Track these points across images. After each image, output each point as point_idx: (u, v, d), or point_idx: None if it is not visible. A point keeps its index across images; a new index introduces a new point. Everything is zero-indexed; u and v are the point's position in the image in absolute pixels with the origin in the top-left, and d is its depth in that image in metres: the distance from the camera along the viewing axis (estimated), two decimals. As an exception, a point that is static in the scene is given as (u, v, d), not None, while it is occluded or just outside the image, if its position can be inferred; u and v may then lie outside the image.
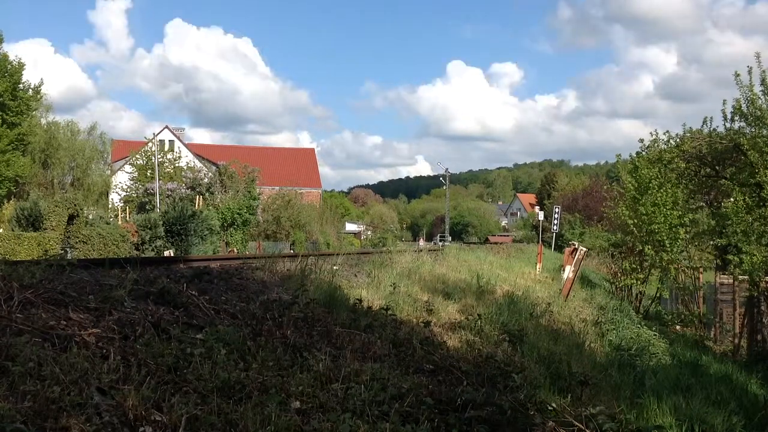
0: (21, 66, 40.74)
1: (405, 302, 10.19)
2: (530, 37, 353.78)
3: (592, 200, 49.13)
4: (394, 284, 11.07)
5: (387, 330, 6.99)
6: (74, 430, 3.24)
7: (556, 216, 29.84)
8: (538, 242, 31.67)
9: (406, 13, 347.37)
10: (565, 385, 7.41)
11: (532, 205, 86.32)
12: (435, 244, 48.05)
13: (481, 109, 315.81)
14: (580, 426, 4.73)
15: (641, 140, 22.04)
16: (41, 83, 43.61)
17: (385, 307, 8.26)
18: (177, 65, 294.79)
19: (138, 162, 44.26)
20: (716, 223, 19.53)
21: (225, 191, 38.87)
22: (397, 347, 6.36)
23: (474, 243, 57.15)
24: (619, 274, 23.50)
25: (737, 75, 18.09)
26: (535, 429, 4.74)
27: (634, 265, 21.80)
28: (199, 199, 35.74)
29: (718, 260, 21.17)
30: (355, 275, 11.76)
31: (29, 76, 61.32)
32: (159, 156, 42.83)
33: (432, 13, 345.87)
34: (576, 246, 19.67)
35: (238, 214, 35.57)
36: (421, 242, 60.20)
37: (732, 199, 18.11)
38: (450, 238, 68.56)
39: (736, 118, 18.73)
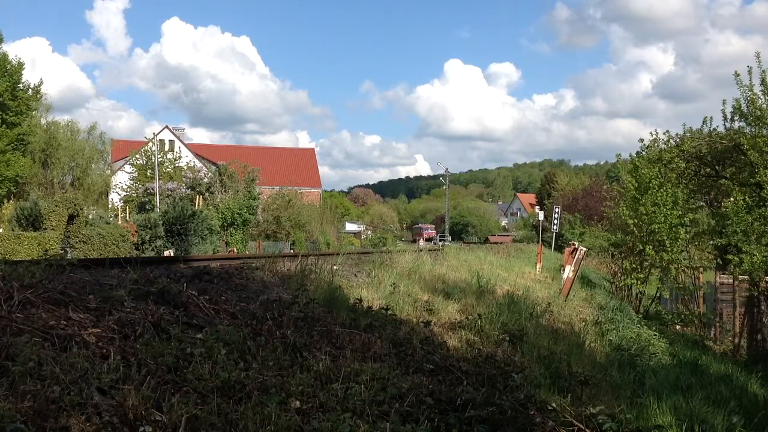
0: (21, 66, 40.69)
1: (405, 302, 10.19)
2: (528, 37, 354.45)
3: (592, 200, 49.08)
4: (394, 284, 11.07)
5: (387, 330, 6.99)
6: (74, 430, 3.24)
7: (556, 216, 29.81)
8: (538, 242, 31.66)
9: (404, 13, 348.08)
10: (565, 385, 7.41)
11: (532, 205, 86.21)
12: (435, 243, 48.05)
13: (480, 108, 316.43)
14: (580, 426, 4.73)
15: (641, 140, 22.06)
16: (41, 83, 43.60)
17: (385, 307, 8.26)
18: (175, 65, 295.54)
19: (138, 162, 44.21)
20: (716, 223, 19.51)
21: (225, 191, 38.86)
22: (397, 347, 6.35)
23: (474, 243, 57.14)
24: (619, 274, 23.48)
25: (737, 75, 18.09)
26: (535, 429, 4.74)
27: (634, 265, 21.78)
28: (199, 199, 35.72)
29: (718, 260, 21.14)
30: (355, 275, 11.75)
31: (28, 76, 61.41)
32: (159, 156, 42.80)
33: (430, 13, 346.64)
34: (576, 246, 19.65)
35: (238, 214, 35.56)
36: (421, 242, 60.21)
37: (732, 199, 18.09)
38: (450, 238, 68.57)
39: (736, 118, 18.73)
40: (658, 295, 22.31)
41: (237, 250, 31.96)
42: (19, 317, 4.49)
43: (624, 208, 21.32)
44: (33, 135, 43.20)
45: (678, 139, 20.93)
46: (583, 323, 14.16)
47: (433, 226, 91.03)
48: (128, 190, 42.43)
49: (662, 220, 19.93)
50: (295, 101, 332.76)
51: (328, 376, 4.81)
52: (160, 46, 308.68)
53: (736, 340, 19.68)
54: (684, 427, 6.76)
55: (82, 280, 6.21)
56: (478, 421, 4.46)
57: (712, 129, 19.86)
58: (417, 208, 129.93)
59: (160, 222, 27.40)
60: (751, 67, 17.89)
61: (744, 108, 18.20)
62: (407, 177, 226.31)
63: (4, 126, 39.06)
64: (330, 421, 3.90)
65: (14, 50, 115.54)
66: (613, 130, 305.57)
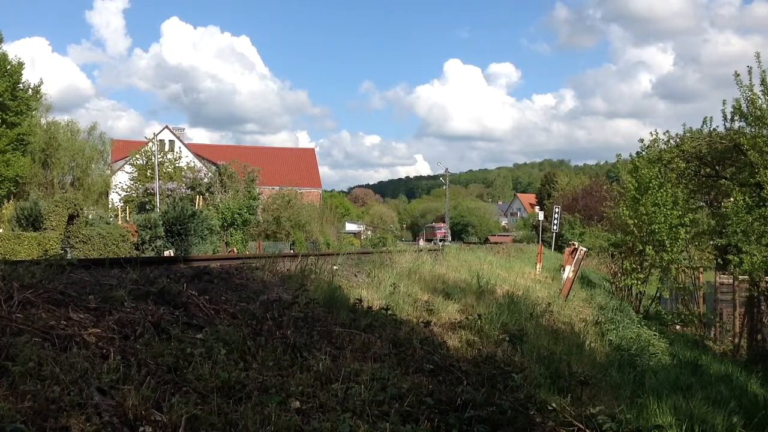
0: (20, 66, 40.70)
1: (405, 302, 10.19)
2: (528, 37, 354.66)
3: (592, 200, 49.09)
4: (394, 284, 11.07)
5: (387, 330, 6.99)
6: (74, 430, 3.24)
7: (556, 216, 29.80)
8: (538, 242, 31.66)
9: (404, 13, 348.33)
10: (565, 385, 7.41)
11: (532, 205, 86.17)
12: (435, 243, 48.05)
13: (480, 108, 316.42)
14: (580, 426, 4.73)
15: (641, 140, 22.03)
16: (41, 83, 43.68)
17: (385, 307, 8.26)
18: (174, 65, 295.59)
19: (138, 162, 44.23)
20: (716, 223, 19.52)
21: (225, 191, 38.89)
22: (397, 347, 6.35)
23: (474, 243, 57.14)
24: (619, 274, 23.48)
25: (737, 75, 18.08)
26: (535, 429, 4.75)
27: (634, 265, 21.78)
28: (199, 199, 35.74)
29: (718, 260, 21.15)
30: (355, 275, 11.75)
31: (28, 76, 61.42)
32: (159, 156, 42.82)
33: (430, 13, 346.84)
34: (576, 246, 19.66)
35: (238, 214, 35.57)
36: (421, 242, 60.23)
37: (732, 199, 18.09)
38: (450, 238, 68.56)
39: (736, 118, 18.72)
40: (658, 295, 22.31)
41: (237, 250, 31.96)
42: (19, 317, 4.49)
43: (624, 208, 21.32)
44: (33, 135, 43.22)
45: (678, 140, 20.92)
46: (583, 323, 14.17)
47: (445, 224, 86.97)
48: (128, 190, 42.44)
49: (662, 220, 19.93)
50: (295, 101, 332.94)
51: (328, 376, 4.81)
52: (159, 46, 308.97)
53: (736, 340, 19.69)
54: (684, 427, 6.77)
55: (82, 280, 6.21)
56: (478, 421, 4.46)
57: (712, 129, 19.85)
58: (417, 208, 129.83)
59: (160, 222, 27.39)
60: (751, 67, 17.90)
61: (744, 108, 18.20)
62: (407, 177, 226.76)
63: (4, 126, 39.07)
64: (330, 421, 3.90)
65: (14, 50, 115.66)
66: (613, 130, 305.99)
